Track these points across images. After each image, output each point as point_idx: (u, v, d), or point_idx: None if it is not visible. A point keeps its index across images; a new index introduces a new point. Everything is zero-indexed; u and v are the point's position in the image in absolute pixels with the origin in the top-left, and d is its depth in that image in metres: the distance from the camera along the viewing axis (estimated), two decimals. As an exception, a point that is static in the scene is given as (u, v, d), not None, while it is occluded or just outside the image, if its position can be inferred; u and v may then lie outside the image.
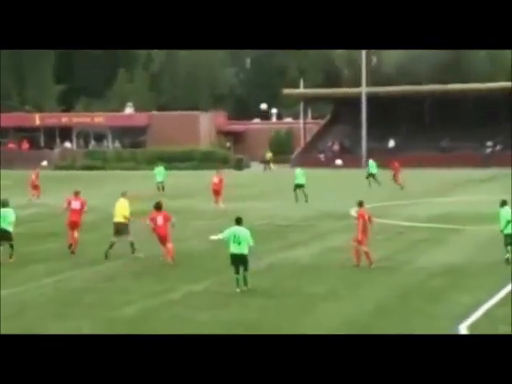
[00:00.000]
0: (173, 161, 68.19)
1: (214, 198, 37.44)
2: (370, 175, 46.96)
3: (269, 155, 69.86)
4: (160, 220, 21.58)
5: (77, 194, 24.15)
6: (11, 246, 21.97)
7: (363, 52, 71.38)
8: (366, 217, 20.91)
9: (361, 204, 21.27)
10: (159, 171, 45.26)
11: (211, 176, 39.30)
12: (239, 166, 69.56)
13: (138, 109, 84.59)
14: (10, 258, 21.85)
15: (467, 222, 29.76)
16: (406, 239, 26.26)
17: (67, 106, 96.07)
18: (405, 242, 25.55)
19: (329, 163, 69.66)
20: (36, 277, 20.15)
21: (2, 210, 21.92)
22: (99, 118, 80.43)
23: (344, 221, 29.25)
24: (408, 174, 48.92)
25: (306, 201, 37.36)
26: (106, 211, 28.47)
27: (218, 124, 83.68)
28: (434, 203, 37.31)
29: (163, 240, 21.73)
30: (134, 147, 77.47)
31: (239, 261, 17.96)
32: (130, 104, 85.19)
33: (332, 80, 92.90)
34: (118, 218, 22.58)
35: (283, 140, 79.59)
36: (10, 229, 21.92)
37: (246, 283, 18.02)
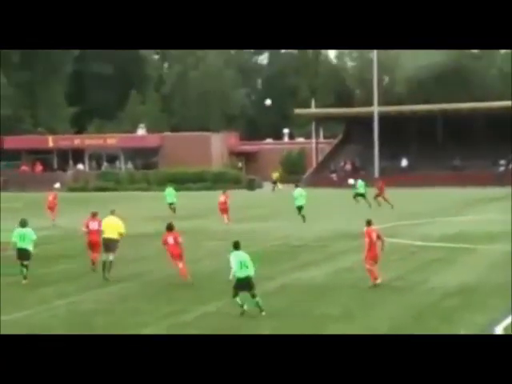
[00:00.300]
0: (185, 182, 68.38)
1: (221, 216, 38.18)
2: (358, 195, 46.77)
3: (275, 175, 69.82)
4: (171, 240, 21.84)
5: (94, 215, 24.54)
6: (26, 267, 22.21)
7: (375, 72, 71.44)
8: (374, 235, 20.88)
9: (369, 223, 21.26)
10: (169, 192, 45.21)
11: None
12: (251, 186, 69.59)
13: (150, 130, 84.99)
14: (25, 278, 22.11)
15: (480, 241, 29.63)
16: (418, 259, 26.13)
17: (80, 128, 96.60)
18: (418, 262, 25.42)
19: (341, 183, 69.56)
20: (47, 299, 20.12)
21: (22, 229, 22.39)
22: (112, 140, 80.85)
23: (356, 241, 29.12)
24: (420, 193, 48.85)
25: (304, 221, 37.36)
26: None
27: (230, 144, 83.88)
28: (446, 222, 37.14)
29: (176, 259, 21.83)
30: (147, 168, 77.74)
31: (246, 284, 17.67)
32: (142, 125, 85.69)
33: (343, 100, 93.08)
34: (109, 234, 22.82)
35: (295, 160, 79.65)
36: (31, 248, 22.33)
37: (261, 308, 17.65)
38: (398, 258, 25.71)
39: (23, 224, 22.63)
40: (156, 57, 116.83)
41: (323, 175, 73.30)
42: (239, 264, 17.82)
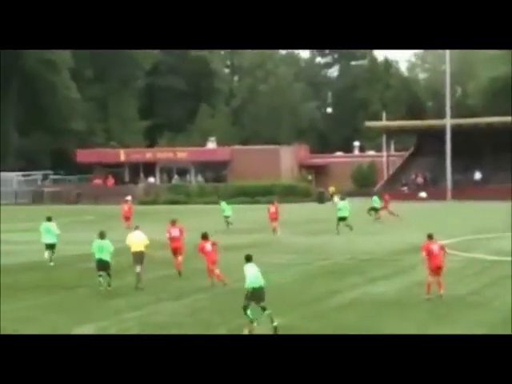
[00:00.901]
0: (254, 195, 68.56)
1: (272, 226, 39.77)
2: (372, 209, 47.52)
3: (331, 189, 69.53)
4: (209, 247, 23.96)
5: (174, 222, 26.59)
6: (109, 275, 23.63)
7: (447, 83, 70.67)
8: (434, 248, 21.09)
9: (430, 237, 21.53)
10: (224, 207, 45.30)
11: (293, 210, 39.48)
12: (321, 199, 69.43)
13: (219, 143, 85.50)
14: (109, 286, 23.48)
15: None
16: (493, 274, 25.70)
17: (151, 141, 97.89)
18: (492, 277, 25.00)
19: (413, 196, 68.92)
20: (120, 311, 20.33)
21: (101, 241, 23.66)
22: (182, 154, 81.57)
23: (429, 255, 28.83)
24: (493, 207, 48.03)
25: (351, 229, 38.94)
26: (190, 245, 28.72)
27: (300, 158, 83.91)
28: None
29: (213, 265, 23.73)
30: (216, 181, 78.23)
31: (260, 295, 17.77)
32: (212, 139, 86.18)
33: (415, 112, 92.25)
34: (138, 247, 24.29)
35: (366, 173, 79.21)
36: (109, 259, 23.64)
37: (272, 320, 17.55)
38: (473, 273, 25.48)
39: (102, 236, 23.94)
40: (226, 70, 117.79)
41: (394, 188, 72.71)
42: (253, 275, 18.07)
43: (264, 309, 17.64)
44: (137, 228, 25.31)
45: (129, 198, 70.79)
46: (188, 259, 26.73)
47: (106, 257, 23.55)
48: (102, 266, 23.50)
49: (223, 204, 45.87)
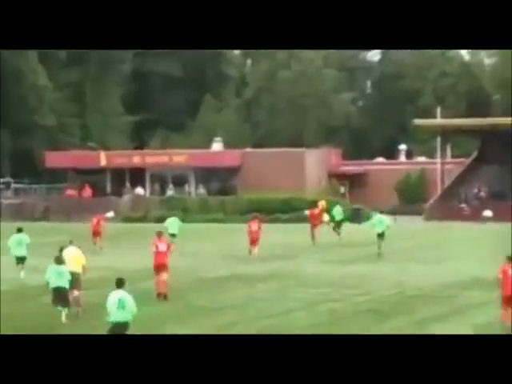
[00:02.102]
0: (272, 211, 68.65)
1: (249, 247, 42.05)
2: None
3: (321, 203, 68.57)
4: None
5: (160, 234, 28.65)
6: (66, 307, 24.34)
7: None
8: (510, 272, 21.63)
9: (510, 258, 22.43)
10: (172, 223, 47.17)
11: (322, 231, 39.65)
12: (357, 218, 69.36)
13: (228, 145, 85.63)
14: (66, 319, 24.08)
15: None
16: None
17: (139, 142, 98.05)
18: None
19: (474, 215, 68.76)
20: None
21: (58, 267, 24.26)
22: (179, 157, 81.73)
23: (494, 291, 28.86)
24: None
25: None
26: (191, 276, 28.95)
27: (330, 164, 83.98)
28: None
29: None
30: (223, 194, 78.36)
31: (122, 331, 18.44)
32: (217, 139, 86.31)
33: (478, 107, 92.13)
34: (74, 267, 24.97)
35: (414, 185, 79.17)
36: (67, 286, 24.42)
37: None
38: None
39: (59, 261, 24.61)
40: (237, 52, 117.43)
41: (451, 205, 72.58)
42: (117, 305, 18.55)
43: None
44: (71, 243, 25.99)
45: (110, 214, 71.20)
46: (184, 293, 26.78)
47: (66, 284, 24.18)
48: (59, 295, 24.05)
49: (172, 221, 47.47)
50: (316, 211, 41.94)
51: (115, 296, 18.77)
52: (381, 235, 42.66)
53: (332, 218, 53.85)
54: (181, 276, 32.20)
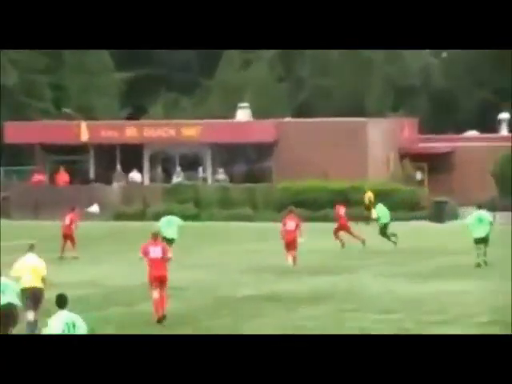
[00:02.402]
0: (320, 206, 68.61)
1: (286, 253, 43.01)
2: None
3: (368, 195, 68.81)
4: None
5: (155, 236, 29.03)
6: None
7: None
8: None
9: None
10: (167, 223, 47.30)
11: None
12: (439, 215, 69.14)
13: (258, 113, 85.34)
14: None
15: None
16: None
17: (135, 108, 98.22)
18: None
19: None
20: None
21: (3, 281, 25.10)
22: (190, 130, 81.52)
23: None
24: None
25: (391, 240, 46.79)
26: (205, 292, 28.98)
27: (403, 139, 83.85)
28: None
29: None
30: (252, 181, 78.24)
31: None
32: (243, 104, 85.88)
33: None
34: (32, 282, 25.99)
35: (518, 169, 78.85)
36: (17, 303, 25.28)
37: None
38: None
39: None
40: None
41: None
42: (65, 332, 18.46)
43: None
44: (31, 248, 26.71)
45: (94, 208, 71.36)
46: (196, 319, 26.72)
47: (14, 300, 24.97)
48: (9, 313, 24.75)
49: (167, 220, 47.55)
50: (341, 209, 41.13)
51: (59, 320, 18.54)
52: (481, 241, 42.02)
53: (377, 220, 53.61)
54: (192, 296, 32.50)
